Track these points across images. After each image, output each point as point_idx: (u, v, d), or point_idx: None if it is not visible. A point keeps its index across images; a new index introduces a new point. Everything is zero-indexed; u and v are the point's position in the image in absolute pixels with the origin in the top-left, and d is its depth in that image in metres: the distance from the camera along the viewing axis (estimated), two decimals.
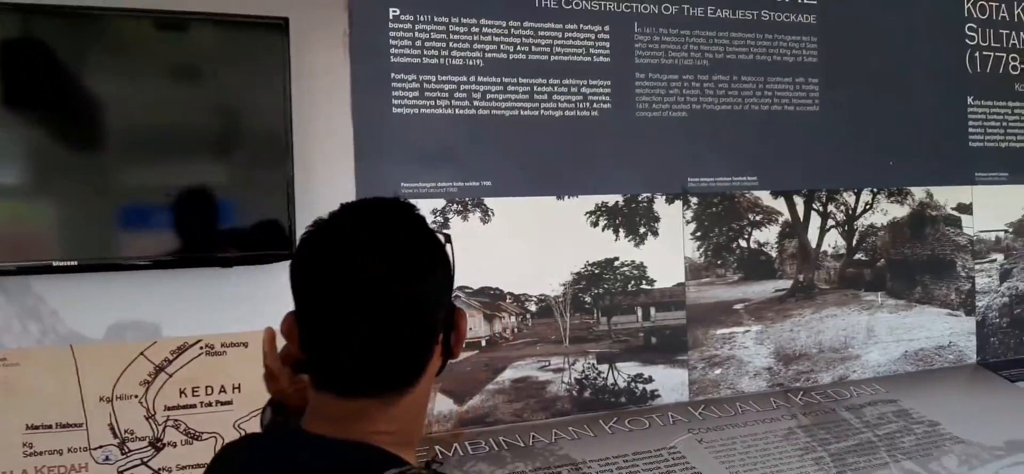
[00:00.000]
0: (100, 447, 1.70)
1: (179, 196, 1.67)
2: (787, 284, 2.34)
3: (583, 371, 2.10)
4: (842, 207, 2.40)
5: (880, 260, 2.46)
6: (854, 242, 2.42)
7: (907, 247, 2.49)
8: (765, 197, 2.30)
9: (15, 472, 1.64)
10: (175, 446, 1.75)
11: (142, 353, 1.73)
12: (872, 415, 2.19)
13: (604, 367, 2.12)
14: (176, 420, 1.76)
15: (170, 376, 1.75)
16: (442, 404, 1.96)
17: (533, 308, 2.05)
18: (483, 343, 2.00)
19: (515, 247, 2.02)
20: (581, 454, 1.88)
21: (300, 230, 1.76)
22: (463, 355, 1.97)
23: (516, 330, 2.04)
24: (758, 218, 2.30)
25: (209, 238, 1.70)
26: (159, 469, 1.74)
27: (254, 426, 1.80)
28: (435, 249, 0.85)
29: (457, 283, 1.94)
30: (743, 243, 2.29)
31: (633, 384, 2.15)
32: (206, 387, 1.77)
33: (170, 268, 1.69)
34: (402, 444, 0.83)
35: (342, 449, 0.80)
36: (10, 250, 1.57)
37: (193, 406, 1.77)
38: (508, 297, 2.03)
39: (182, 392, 1.76)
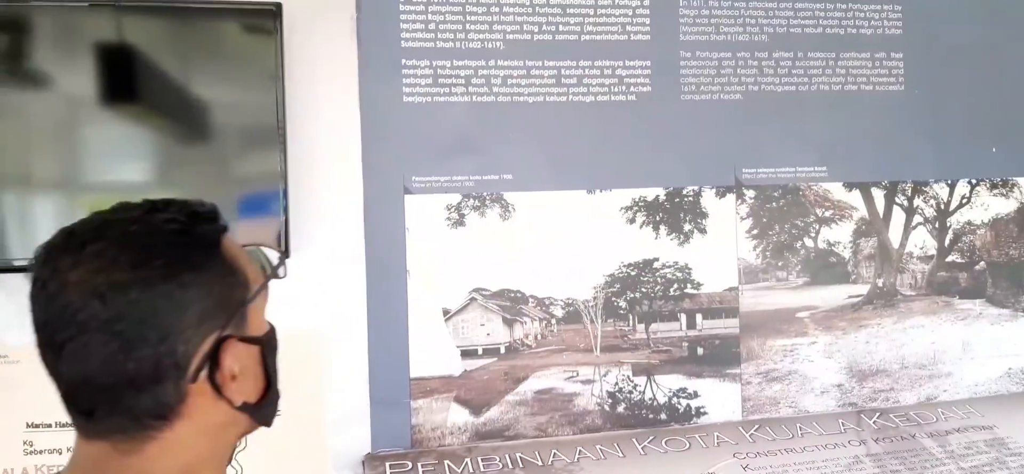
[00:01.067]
0: None
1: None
2: (863, 290, 2.05)
3: (617, 383, 1.90)
4: (932, 201, 2.08)
5: (979, 263, 2.12)
6: (947, 242, 2.09)
7: (1014, 248, 2.13)
8: (836, 190, 2.02)
9: (15, 470, 1.64)
10: None
11: None
12: (959, 444, 1.88)
13: (641, 379, 1.92)
14: None
15: None
16: (457, 415, 1.82)
17: (559, 313, 1.87)
18: (502, 350, 1.85)
19: (539, 246, 1.85)
20: None
21: (293, 224, 1.69)
22: (478, 362, 1.83)
23: (540, 337, 1.87)
24: (828, 214, 2.02)
25: None
26: None
27: (256, 431, 1.74)
28: (154, 257, 0.70)
29: (473, 284, 1.83)
30: (809, 242, 2.01)
31: (675, 399, 1.93)
32: None
33: None
34: None
35: None
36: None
37: None
38: (531, 301, 1.86)
39: None
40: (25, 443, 1.64)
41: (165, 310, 0.69)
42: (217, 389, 0.72)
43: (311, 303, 1.74)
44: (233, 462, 1.78)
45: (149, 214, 0.72)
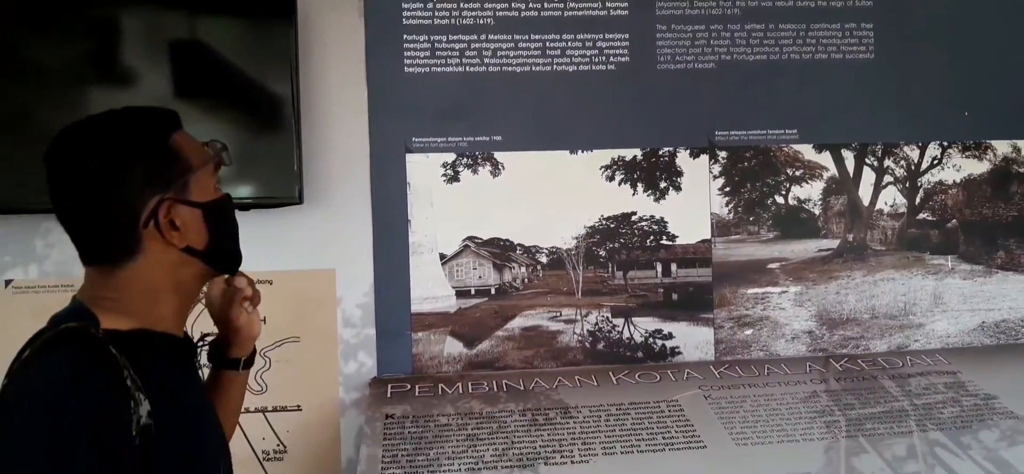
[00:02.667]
0: None
1: None
2: (833, 244, 2.21)
3: (597, 323, 2.12)
4: (902, 162, 2.21)
5: (951, 221, 2.24)
6: (917, 201, 2.22)
7: (987, 207, 2.25)
8: (807, 151, 2.18)
9: None
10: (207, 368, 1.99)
11: None
12: (918, 385, 2.01)
13: (619, 321, 2.12)
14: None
15: (204, 308, 1.99)
16: (452, 346, 2.07)
17: (544, 260, 2.10)
18: (492, 291, 2.09)
19: (526, 200, 2.08)
20: (575, 400, 1.91)
21: (308, 181, 1.96)
22: (471, 301, 2.07)
23: (526, 280, 2.10)
24: (798, 173, 2.18)
25: (237, 187, 1.91)
26: None
27: (278, 355, 2.03)
28: (111, 140, 0.99)
29: (467, 233, 2.07)
30: (780, 200, 2.18)
31: (651, 340, 2.13)
32: None
33: None
34: (125, 313, 0.99)
35: (71, 303, 1.00)
36: None
37: None
38: (519, 248, 2.09)
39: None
40: None
41: (119, 176, 0.98)
42: (161, 234, 1.00)
43: (325, 248, 2.02)
44: (258, 381, 2.07)
45: (116, 112, 1.02)
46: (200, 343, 1.14)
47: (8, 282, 1.95)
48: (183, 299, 1.06)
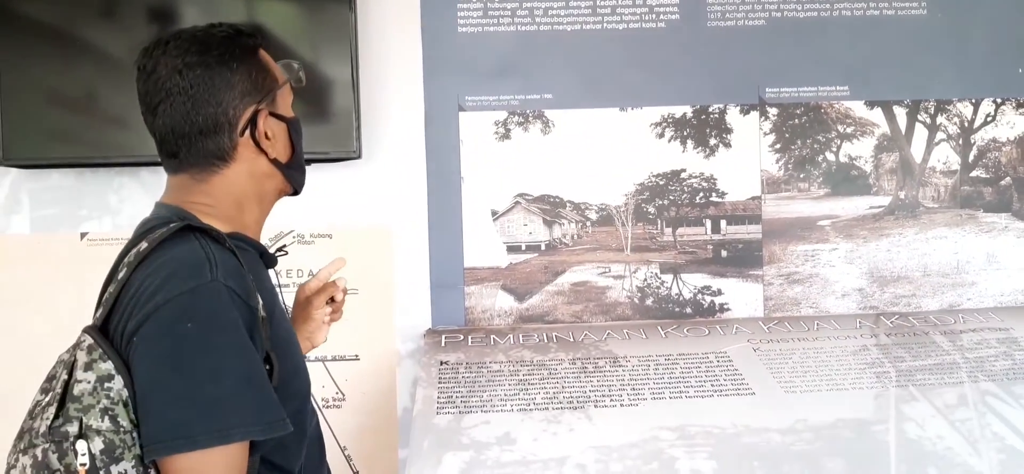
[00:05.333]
0: None
1: None
2: (885, 201, 2.20)
3: (645, 279, 2.15)
4: (955, 119, 2.19)
5: (1005, 178, 2.21)
6: (971, 158, 2.21)
7: None
8: (858, 108, 2.17)
9: None
10: None
11: None
12: (970, 341, 2.01)
13: (668, 277, 2.15)
14: None
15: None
16: (503, 300, 2.12)
17: (594, 216, 2.14)
18: (542, 247, 2.13)
19: (576, 157, 2.12)
20: (624, 350, 1.95)
21: (366, 138, 2.02)
22: (522, 257, 2.12)
23: (576, 237, 2.14)
24: (849, 130, 2.18)
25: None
26: None
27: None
28: (212, 50, 1.03)
29: (518, 190, 2.12)
30: (830, 156, 2.18)
31: (700, 296, 2.16)
32: (298, 270, 2.09)
33: None
34: (218, 218, 1.05)
35: (164, 209, 1.05)
36: None
37: (288, 286, 2.08)
38: (568, 205, 2.14)
39: (278, 273, 2.08)
40: None
41: (220, 84, 1.04)
42: (256, 143, 1.06)
43: (381, 204, 2.09)
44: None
45: (210, 26, 1.07)
46: (279, 253, 1.21)
47: (84, 235, 2.06)
48: (263, 209, 1.13)
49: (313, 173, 2.06)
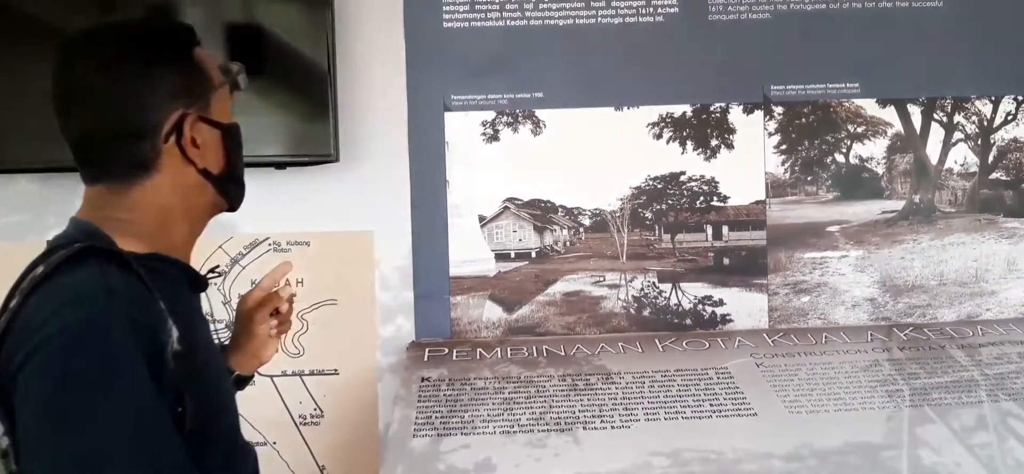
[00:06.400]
0: None
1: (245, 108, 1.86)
2: (898, 205, 2.07)
3: (642, 289, 2.03)
4: (973, 118, 2.06)
5: None
6: (990, 159, 2.07)
7: None
8: (869, 106, 2.04)
9: None
10: None
11: (220, 246, 1.97)
12: (990, 355, 1.87)
13: (666, 286, 2.03)
14: None
15: (243, 268, 1.97)
16: (491, 311, 2.01)
17: (587, 222, 2.02)
18: (533, 255, 2.02)
19: (568, 159, 2.00)
20: (618, 366, 1.83)
21: (344, 140, 1.91)
22: (511, 265, 2.01)
23: (568, 243, 2.02)
24: (860, 130, 2.05)
25: (271, 144, 1.87)
26: None
27: (316, 317, 2.00)
28: (135, 46, 0.93)
29: (507, 194, 2.00)
30: (840, 158, 2.05)
31: (700, 306, 2.03)
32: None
33: None
34: (138, 235, 0.94)
35: (73, 225, 0.95)
36: None
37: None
38: (560, 210, 2.02)
39: (253, 283, 1.97)
40: None
41: (143, 84, 0.93)
42: (182, 151, 0.95)
43: (363, 209, 1.98)
44: (295, 344, 2.04)
45: (135, 20, 0.96)
46: (210, 276, 1.09)
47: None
48: (193, 226, 1.02)
49: (288, 177, 1.97)
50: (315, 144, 1.85)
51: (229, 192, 1.04)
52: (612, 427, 1.62)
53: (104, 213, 0.94)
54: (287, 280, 1.27)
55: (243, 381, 1.25)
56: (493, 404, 1.70)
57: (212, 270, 1.11)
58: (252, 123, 1.82)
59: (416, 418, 1.66)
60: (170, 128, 0.95)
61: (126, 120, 0.93)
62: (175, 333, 0.87)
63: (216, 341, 1.19)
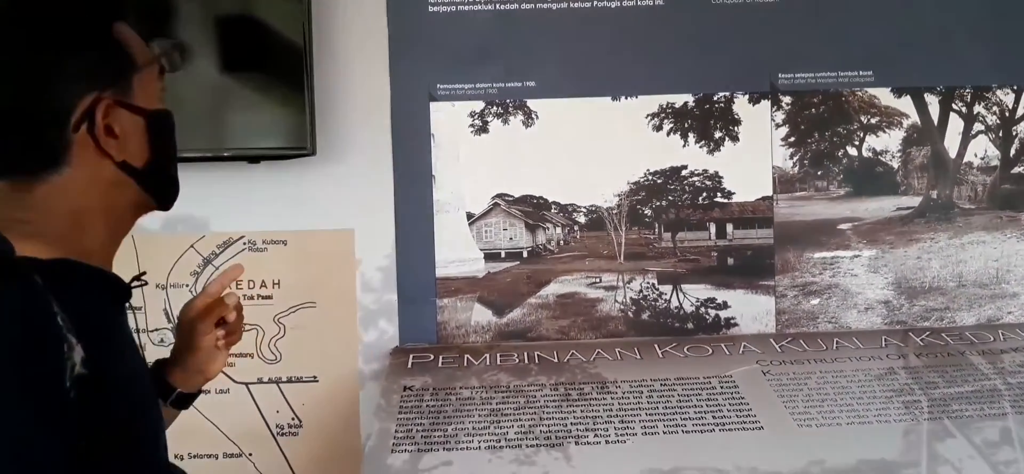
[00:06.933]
0: (156, 330, 1.85)
1: (217, 98, 1.74)
2: (914, 202, 1.94)
3: (641, 291, 1.90)
4: (995, 109, 1.93)
5: None
6: (1012, 152, 1.94)
7: None
8: (884, 95, 1.91)
9: None
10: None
11: (192, 245, 1.86)
12: (1013, 362, 1.75)
13: (667, 288, 1.91)
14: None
15: (217, 269, 1.86)
16: (480, 315, 1.89)
17: (582, 220, 1.90)
18: (524, 254, 1.89)
19: (562, 153, 1.88)
20: (614, 374, 1.71)
21: (323, 132, 1.80)
22: (501, 265, 1.89)
23: (562, 242, 1.90)
24: (874, 121, 1.92)
25: (240, 136, 1.75)
26: None
27: (293, 320, 1.88)
28: (39, 21, 0.81)
29: (497, 190, 1.88)
30: (852, 151, 1.92)
31: (703, 309, 1.91)
32: (248, 281, 1.86)
33: (206, 162, 1.77)
34: (45, 238, 0.81)
35: None
36: None
37: (252, 299, 1.86)
38: (554, 207, 1.89)
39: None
40: None
41: (49, 64, 0.81)
42: (96, 142, 0.83)
43: (343, 206, 1.86)
44: (272, 349, 1.93)
45: None
46: (134, 284, 0.96)
47: None
48: (113, 229, 0.90)
49: (263, 172, 1.85)
50: (290, 136, 1.72)
51: (155, 189, 0.91)
52: (607, 441, 1.50)
53: (4, 213, 0.82)
54: (234, 286, 1.14)
55: (187, 399, 1.13)
56: (479, 416, 1.58)
57: (137, 278, 0.97)
58: (222, 113, 1.74)
59: (395, 431, 1.54)
60: (81, 115, 0.82)
61: (27, 105, 0.80)
62: (78, 355, 0.74)
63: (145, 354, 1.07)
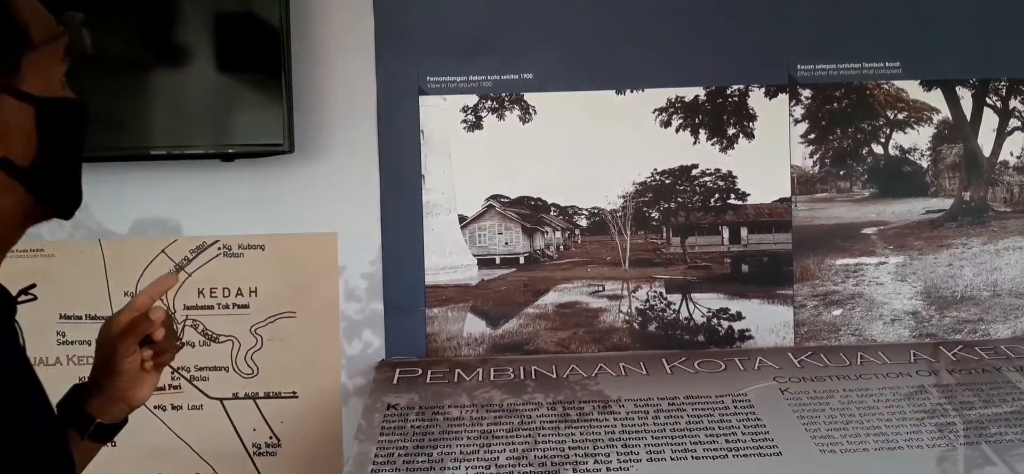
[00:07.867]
0: None
1: (185, 91, 1.61)
2: (945, 204, 1.79)
3: (647, 300, 1.76)
4: None
5: None
6: None
7: None
8: (912, 88, 1.77)
9: (49, 359, 1.72)
10: (193, 346, 1.73)
11: (163, 250, 1.73)
12: None
13: (676, 297, 1.76)
14: (194, 320, 1.74)
15: (189, 275, 1.73)
16: (473, 325, 1.75)
17: (584, 223, 1.76)
18: (521, 260, 1.75)
19: (562, 151, 1.74)
20: (617, 392, 1.57)
21: (304, 128, 1.67)
22: (496, 272, 1.75)
23: (562, 247, 1.76)
24: (901, 116, 1.77)
25: (212, 132, 1.62)
26: (177, 368, 1.73)
27: (271, 331, 1.75)
28: None
29: (491, 191, 1.75)
30: (878, 149, 1.78)
31: (715, 321, 1.76)
32: (223, 289, 1.73)
33: (174, 159, 1.65)
34: None
35: None
36: None
37: (211, 307, 1.73)
38: (553, 209, 1.75)
39: (201, 292, 1.73)
40: (58, 334, 1.72)
41: None
42: None
43: (325, 208, 1.74)
44: (248, 363, 1.80)
45: None
46: (20, 299, 0.81)
47: None
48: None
49: (238, 171, 1.71)
50: (267, 131, 1.59)
51: (47, 194, 0.76)
52: (608, 468, 1.36)
53: None
54: (162, 300, 0.99)
55: (108, 430, 0.99)
56: (468, 438, 1.44)
57: (26, 290, 0.82)
58: (192, 107, 1.61)
59: (375, 455, 1.40)
60: None
61: None
62: None
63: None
